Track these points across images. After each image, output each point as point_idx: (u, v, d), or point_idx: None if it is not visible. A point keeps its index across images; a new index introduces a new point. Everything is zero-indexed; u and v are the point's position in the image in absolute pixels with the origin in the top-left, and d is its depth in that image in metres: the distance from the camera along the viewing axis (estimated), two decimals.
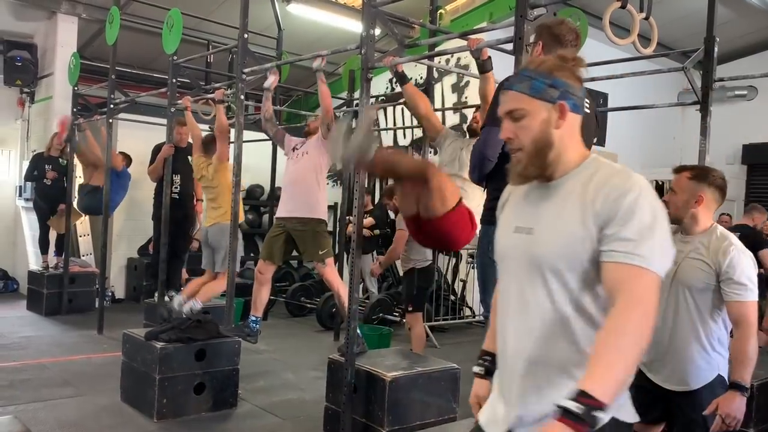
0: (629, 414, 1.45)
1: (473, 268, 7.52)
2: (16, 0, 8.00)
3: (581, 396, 1.24)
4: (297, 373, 5.36)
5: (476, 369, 1.84)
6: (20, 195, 8.78)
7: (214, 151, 5.37)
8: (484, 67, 3.28)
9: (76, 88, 7.13)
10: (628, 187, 1.39)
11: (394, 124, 8.99)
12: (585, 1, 6.20)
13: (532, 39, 2.83)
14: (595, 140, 10.21)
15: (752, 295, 2.40)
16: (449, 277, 7.98)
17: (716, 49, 3.80)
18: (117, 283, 8.56)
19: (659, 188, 10.34)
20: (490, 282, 3.03)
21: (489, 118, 2.83)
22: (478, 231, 3.08)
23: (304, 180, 4.59)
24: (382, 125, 9.60)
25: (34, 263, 8.16)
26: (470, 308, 7.97)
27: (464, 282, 8.03)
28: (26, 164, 8.17)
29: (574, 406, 1.23)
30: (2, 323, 6.73)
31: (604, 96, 9.39)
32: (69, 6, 8.23)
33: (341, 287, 4.47)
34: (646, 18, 3.33)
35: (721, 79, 3.98)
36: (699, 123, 3.78)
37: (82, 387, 4.62)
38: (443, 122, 8.58)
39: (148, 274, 7.43)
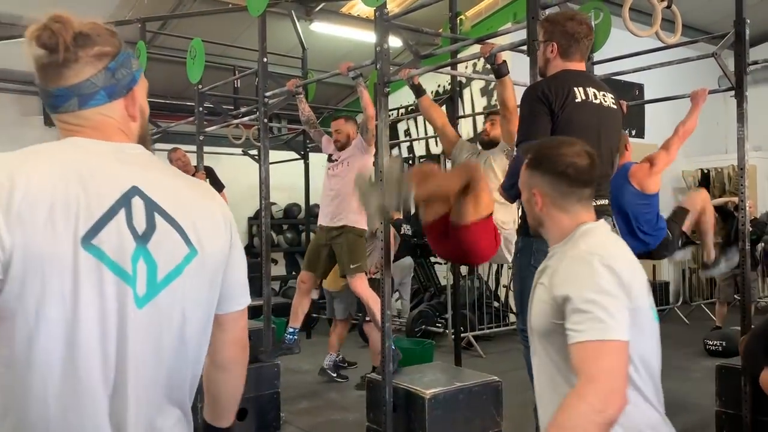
0: None
1: None
2: None
3: None
4: (341, 391, 5.32)
5: None
6: None
7: None
8: (500, 71, 3.21)
9: None
10: None
11: (426, 134, 8.93)
12: None
13: (541, 37, 2.74)
14: (633, 132, 9.87)
15: (596, 331, 1.43)
16: (491, 284, 7.85)
17: (747, 31, 3.63)
18: None
19: (705, 177, 9.97)
20: (528, 295, 2.95)
21: (525, 132, 2.70)
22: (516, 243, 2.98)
23: (346, 192, 4.59)
24: (414, 134, 9.56)
25: None
26: (515, 314, 7.81)
27: (507, 288, 7.89)
28: None
29: None
30: None
31: (640, 87, 9.13)
32: None
33: (372, 300, 4.44)
34: (668, 6, 3.19)
35: (756, 62, 3.79)
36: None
37: None
38: (474, 127, 8.51)
39: None
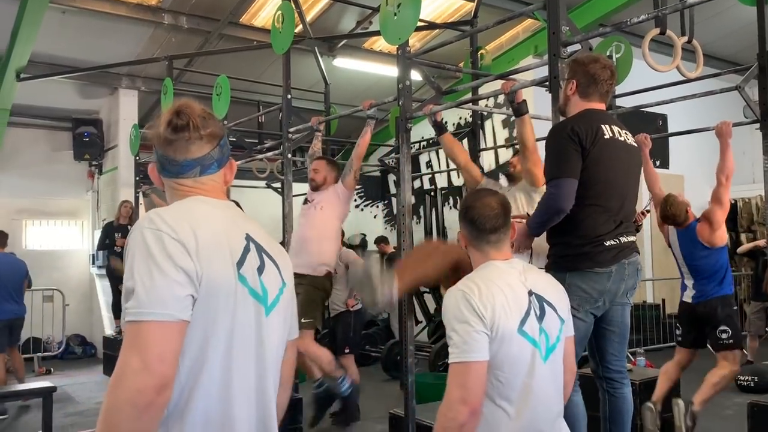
0: None
1: None
2: (82, 80, 8.52)
3: None
4: (363, 426, 5.27)
5: None
6: (93, 263, 9.18)
7: None
8: (519, 110, 3.21)
9: (137, 158, 7.47)
10: (130, 234, 1.35)
11: (447, 166, 8.96)
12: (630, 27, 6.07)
13: (566, 75, 2.77)
14: (658, 162, 9.72)
15: (455, 355, 1.76)
16: None
17: None
18: None
19: (732, 207, 9.83)
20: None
21: (556, 170, 2.71)
22: None
23: (314, 236, 4.43)
24: (435, 167, 9.60)
25: (109, 328, 8.45)
26: None
27: None
28: (98, 233, 8.56)
29: None
30: (80, 389, 6.96)
31: (663, 117, 9.10)
32: (129, 81, 8.71)
33: (319, 360, 4.48)
34: (689, 41, 3.19)
35: None
36: None
37: None
38: (497, 159, 8.52)
39: None
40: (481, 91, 4.66)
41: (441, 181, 9.64)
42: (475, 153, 5.37)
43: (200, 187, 1.46)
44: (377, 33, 4.56)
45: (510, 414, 1.80)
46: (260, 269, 1.43)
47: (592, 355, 3.04)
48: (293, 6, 4.80)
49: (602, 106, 2.84)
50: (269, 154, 6.24)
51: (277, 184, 7.44)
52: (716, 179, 4.15)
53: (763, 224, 9.36)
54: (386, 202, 10.84)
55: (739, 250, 7.90)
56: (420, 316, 7.71)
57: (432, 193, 9.55)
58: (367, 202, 10.91)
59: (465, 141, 6.74)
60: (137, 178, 7.54)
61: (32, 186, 9.16)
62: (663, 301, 8.65)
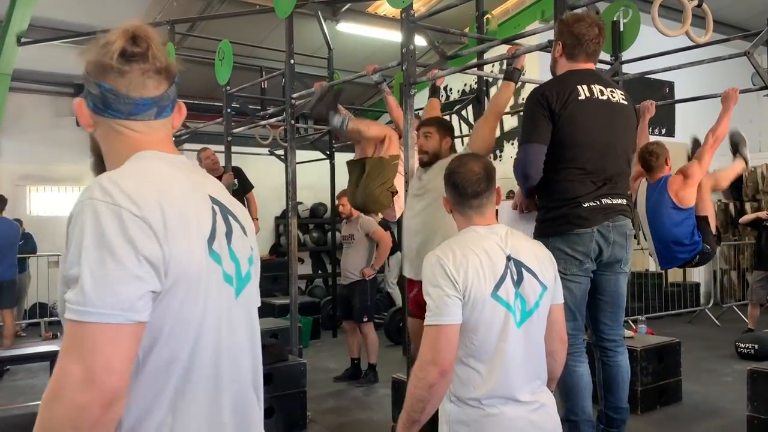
0: None
1: None
2: (83, 45, 8.42)
3: None
4: (366, 391, 5.35)
5: None
6: None
7: None
8: (510, 75, 3.16)
9: None
10: (74, 204, 1.07)
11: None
12: None
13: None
14: (663, 130, 9.64)
15: (428, 318, 1.80)
16: None
17: None
18: None
19: (737, 178, 9.78)
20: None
21: (525, 135, 2.73)
22: None
23: None
24: None
25: None
26: None
27: None
28: None
29: None
30: None
31: (670, 84, 8.99)
32: None
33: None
34: (699, 5, 3.14)
35: None
36: None
37: None
38: (501, 126, 8.45)
39: None
40: (487, 56, 4.61)
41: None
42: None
43: (153, 133, 1.20)
44: None
45: (482, 374, 1.83)
46: (228, 236, 1.22)
47: (588, 324, 3.06)
48: None
49: (590, 66, 2.79)
50: (272, 120, 6.20)
51: (280, 151, 7.43)
52: (704, 138, 4.03)
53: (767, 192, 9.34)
54: None
55: (742, 220, 7.87)
56: None
57: None
58: None
59: (470, 107, 6.70)
60: None
61: (36, 152, 9.15)
62: (665, 270, 8.68)
